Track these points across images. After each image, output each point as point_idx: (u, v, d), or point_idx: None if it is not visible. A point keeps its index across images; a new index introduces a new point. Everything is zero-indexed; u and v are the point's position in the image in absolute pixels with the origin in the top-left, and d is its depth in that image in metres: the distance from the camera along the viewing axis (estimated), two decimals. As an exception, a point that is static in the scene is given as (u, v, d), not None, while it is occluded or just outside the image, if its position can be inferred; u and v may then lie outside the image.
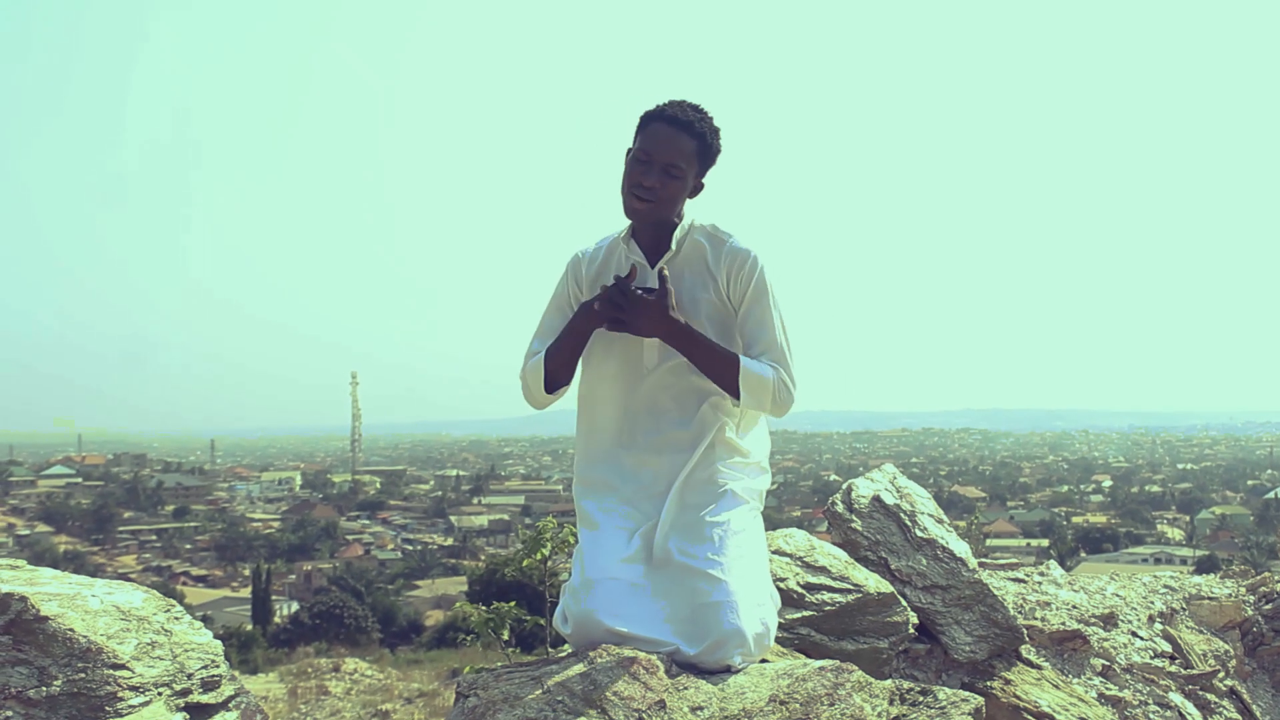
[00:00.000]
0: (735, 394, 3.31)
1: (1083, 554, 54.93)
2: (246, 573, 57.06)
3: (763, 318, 3.37)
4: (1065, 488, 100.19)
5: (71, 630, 2.97)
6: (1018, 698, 4.30)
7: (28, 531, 71.84)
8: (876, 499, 4.76)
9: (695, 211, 3.50)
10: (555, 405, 3.61)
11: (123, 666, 2.97)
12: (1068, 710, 4.31)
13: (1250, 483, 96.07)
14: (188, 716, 3.03)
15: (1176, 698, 4.99)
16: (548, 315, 3.60)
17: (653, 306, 3.21)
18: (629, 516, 3.36)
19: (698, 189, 3.45)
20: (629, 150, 3.41)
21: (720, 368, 3.29)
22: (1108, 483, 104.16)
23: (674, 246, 3.42)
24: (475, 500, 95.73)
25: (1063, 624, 5.12)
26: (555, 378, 3.46)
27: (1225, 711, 5.14)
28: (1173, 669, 5.20)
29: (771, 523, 3.84)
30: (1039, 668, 4.63)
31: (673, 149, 3.30)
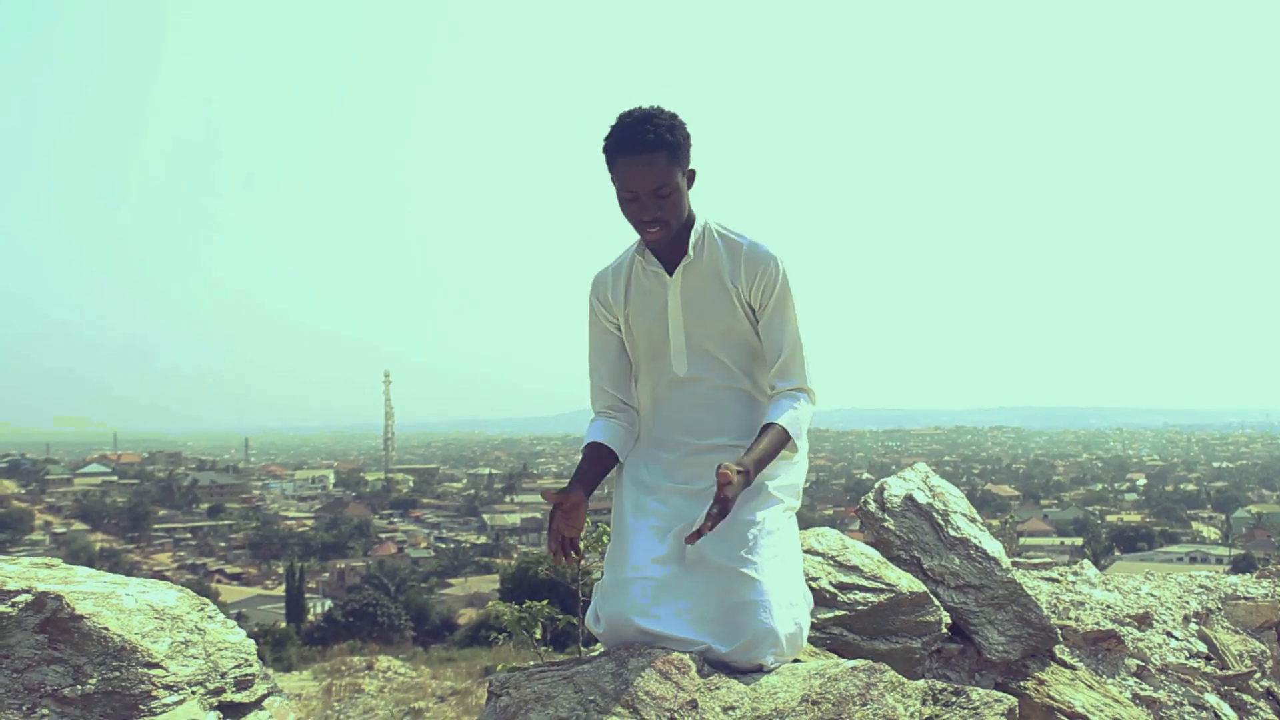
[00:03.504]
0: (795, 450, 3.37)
1: (1117, 553, 54.63)
2: (280, 571, 57.43)
3: (784, 323, 3.36)
4: (1099, 486, 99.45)
5: (106, 629, 2.99)
6: (1051, 698, 4.28)
7: (64, 529, 72.42)
8: (909, 498, 4.74)
9: (705, 210, 3.45)
10: (586, 405, 3.60)
11: (157, 665, 2.99)
12: (1102, 711, 4.29)
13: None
14: (221, 715, 3.05)
15: (1212, 698, 4.95)
16: (594, 364, 3.57)
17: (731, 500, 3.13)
18: (663, 516, 3.35)
19: (691, 178, 3.34)
20: (611, 179, 3.32)
21: (781, 449, 3.31)
22: (1142, 481, 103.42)
23: (691, 252, 3.36)
24: (507, 498, 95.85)
25: (1097, 624, 5.08)
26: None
27: (1261, 712, 5.09)
28: (1208, 669, 5.16)
29: (804, 521, 3.83)
30: (1073, 668, 4.60)
31: (649, 175, 3.18)
